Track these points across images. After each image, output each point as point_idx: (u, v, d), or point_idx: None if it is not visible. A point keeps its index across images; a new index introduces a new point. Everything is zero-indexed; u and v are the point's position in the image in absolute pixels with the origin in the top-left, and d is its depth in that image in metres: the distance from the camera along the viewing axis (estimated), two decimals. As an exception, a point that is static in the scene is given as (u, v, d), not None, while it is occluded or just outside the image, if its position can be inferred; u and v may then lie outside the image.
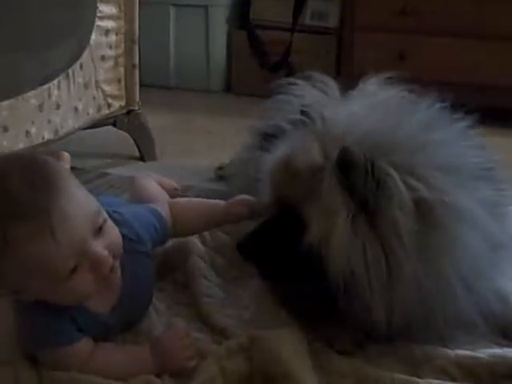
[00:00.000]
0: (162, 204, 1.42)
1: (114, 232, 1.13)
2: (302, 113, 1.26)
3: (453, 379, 1.08)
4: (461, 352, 1.12)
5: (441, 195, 1.08)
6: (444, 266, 1.08)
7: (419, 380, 1.06)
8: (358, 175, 1.08)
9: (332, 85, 1.70)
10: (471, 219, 1.10)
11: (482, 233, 1.12)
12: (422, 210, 1.08)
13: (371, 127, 1.15)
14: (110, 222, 1.12)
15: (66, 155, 1.56)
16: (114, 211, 1.21)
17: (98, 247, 1.07)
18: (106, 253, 1.07)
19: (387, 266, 1.07)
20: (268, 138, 1.67)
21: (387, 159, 1.09)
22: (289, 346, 1.08)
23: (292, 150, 1.20)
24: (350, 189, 1.09)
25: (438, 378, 1.07)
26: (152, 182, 1.67)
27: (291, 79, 1.74)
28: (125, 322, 1.21)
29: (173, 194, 1.69)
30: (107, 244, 1.09)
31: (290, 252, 1.15)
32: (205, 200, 1.51)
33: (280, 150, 1.24)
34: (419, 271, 1.07)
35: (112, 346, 1.18)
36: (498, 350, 1.14)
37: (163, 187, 1.67)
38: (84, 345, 1.12)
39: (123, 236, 1.15)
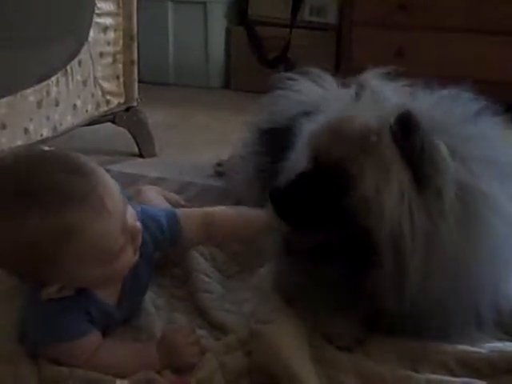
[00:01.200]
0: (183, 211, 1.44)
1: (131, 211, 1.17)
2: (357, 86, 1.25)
3: (452, 374, 1.08)
4: (460, 347, 1.12)
5: (481, 184, 1.08)
6: (477, 252, 1.08)
7: (419, 375, 1.06)
8: (416, 138, 1.07)
9: (330, 80, 1.70)
10: (505, 214, 1.10)
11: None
12: (463, 194, 1.07)
13: (423, 107, 1.15)
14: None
15: None
16: None
17: (131, 219, 1.13)
18: (139, 223, 1.15)
19: (429, 237, 1.06)
20: (265, 133, 1.67)
21: (439, 137, 1.09)
22: (288, 341, 1.09)
23: (343, 115, 1.19)
24: (406, 151, 1.08)
25: (437, 373, 1.07)
26: (156, 194, 1.66)
27: (289, 74, 1.74)
28: (126, 316, 1.23)
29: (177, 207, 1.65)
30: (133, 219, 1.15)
31: (331, 206, 1.12)
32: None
33: (327, 116, 1.23)
34: (458, 252, 1.07)
35: (116, 342, 1.19)
36: (497, 344, 1.14)
37: (167, 200, 1.66)
38: (93, 337, 1.13)
39: None
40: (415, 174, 1.08)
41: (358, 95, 1.22)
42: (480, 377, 1.07)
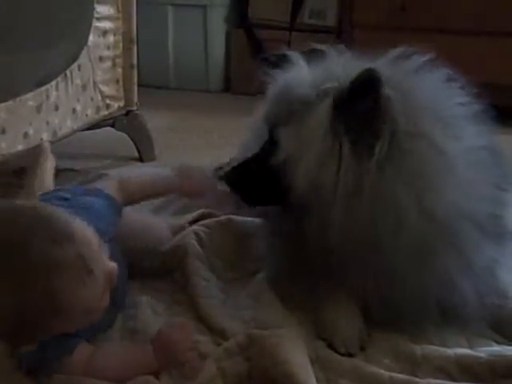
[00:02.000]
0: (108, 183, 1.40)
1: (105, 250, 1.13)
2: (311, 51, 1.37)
3: (452, 379, 1.08)
4: (460, 351, 1.12)
5: (421, 128, 1.14)
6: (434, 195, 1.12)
7: (418, 380, 1.06)
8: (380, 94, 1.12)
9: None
10: (443, 151, 1.13)
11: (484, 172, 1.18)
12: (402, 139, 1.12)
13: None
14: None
15: (47, 144, 1.56)
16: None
17: (107, 261, 1.09)
18: (114, 263, 1.10)
19: (358, 184, 1.11)
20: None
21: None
22: (288, 346, 1.08)
23: (291, 79, 1.24)
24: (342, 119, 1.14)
25: (437, 378, 1.07)
26: None
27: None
28: (114, 314, 1.24)
29: None
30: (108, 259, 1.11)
31: (262, 172, 1.23)
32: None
33: (283, 76, 1.28)
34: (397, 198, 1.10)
35: (111, 346, 1.19)
36: (496, 348, 1.14)
37: None
38: (82, 349, 1.12)
39: None
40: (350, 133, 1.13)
41: (310, 60, 1.30)
42: (479, 381, 1.07)
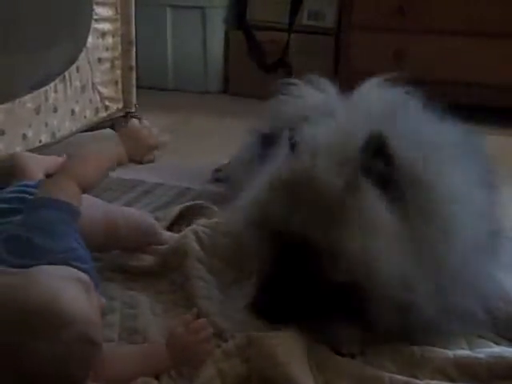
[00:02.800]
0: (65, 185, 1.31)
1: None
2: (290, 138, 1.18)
3: (451, 380, 1.08)
4: (459, 352, 1.13)
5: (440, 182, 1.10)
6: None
7: (418, 381, 1.06)
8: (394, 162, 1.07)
9: (330, 86, 1.70)
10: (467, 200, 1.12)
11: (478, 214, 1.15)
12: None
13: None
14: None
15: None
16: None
17: (97, 299, 1.07)
18: (102, 300, 1.09)
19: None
20: (266, 139, 1.67)
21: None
22: (286, 347, 1.08)
23: (294, 174, 1.10)
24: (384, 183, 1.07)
25: (436, 379, 1.07)
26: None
27: (291, 80, 1.74)
28: None
29: None
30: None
31: (320, 290, 1.08)
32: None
33: (272, 178, 1.15)
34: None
35: (119, 349, 1.18)
36: (496, 350, 1.14)
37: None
38: None
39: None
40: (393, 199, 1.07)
41: (293, 146, 1.16)
42: (478, 382, 1.07)
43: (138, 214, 1.56)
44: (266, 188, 1.14)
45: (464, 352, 1.13)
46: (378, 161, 1.07)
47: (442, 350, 1.13)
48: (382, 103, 1.26)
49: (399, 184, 1.07)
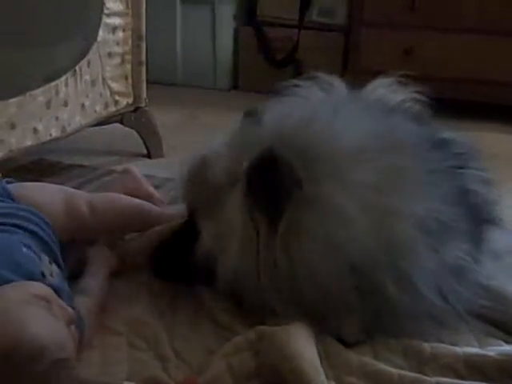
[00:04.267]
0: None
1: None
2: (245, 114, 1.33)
3: (460, 377, 1.07)
4: (469, 350, 1.12)
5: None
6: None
7: (427, 377, 1.06)
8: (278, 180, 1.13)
9: (339, 85, 1.70)
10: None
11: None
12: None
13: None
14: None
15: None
16: None
17: (66, 310, 1.05)
18: (70, 310, 1.06)
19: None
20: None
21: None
22: (297, 341, 1.08)
23: (208, 158, 1.25)
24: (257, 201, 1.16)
25: (445, 376, 1.07)
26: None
27: (297, 81, 1.73)
28: None
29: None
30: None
31: (187, 259, 1.22)
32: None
33: (200, 153, 1.30)
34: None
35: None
36: (506, 348, 1.14)
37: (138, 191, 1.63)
38: None
39: None
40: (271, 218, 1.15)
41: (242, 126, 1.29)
42: (488, 380, 1.07)
43: (117, 197, 1.52)
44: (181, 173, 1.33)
45: (474, 349, 1.13)
46: (262, 179, 1.14)
47: (451, 347, 1.13)
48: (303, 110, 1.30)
49: (276, 200, 1.14)
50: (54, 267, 1.17)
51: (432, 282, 1.14)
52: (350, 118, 1.25)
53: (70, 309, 1.05)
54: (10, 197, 1.28)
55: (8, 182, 1.35)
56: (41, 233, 1.21)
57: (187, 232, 1.26)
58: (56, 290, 1.07)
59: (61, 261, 1.23)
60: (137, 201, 1.51)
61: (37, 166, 2.12)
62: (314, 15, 3.21)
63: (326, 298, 1.13)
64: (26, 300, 0.97)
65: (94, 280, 1.29)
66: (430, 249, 1.14)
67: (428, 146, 1.26)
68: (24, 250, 1.12)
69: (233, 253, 1.17)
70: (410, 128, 1.30)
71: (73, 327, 1.04)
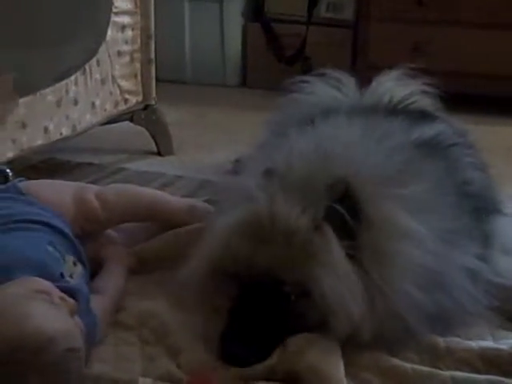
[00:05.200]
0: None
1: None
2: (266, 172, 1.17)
3: (476, 371, 1.07)
4: (483, 344, 1.12)
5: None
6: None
7: (443, 372, 1.05)
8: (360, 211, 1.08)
9: (347, 81, 1.69)
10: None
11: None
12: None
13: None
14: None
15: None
16: None
17: (66, 302, 1.05)
18: (71, 301, 1.06)
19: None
20: (278, 135, 1.67)
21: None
22: (315, 338, 1.08)
23: (254, 213, 1.10)
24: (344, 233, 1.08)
25: (460, 370, 1.07)
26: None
27: (305, 77, 1.73)
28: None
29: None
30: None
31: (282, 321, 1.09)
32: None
33: (239, 212, 1.13)
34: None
35: None
36: (520, 341, 1.13)
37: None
38: None
39: None
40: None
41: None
42: (503, 374, 1.06)
43: (129, 187, 1.55)
44: (229, 232, 1.12)
45: (488, 343, 1.13)
46: (340, 206, 1.08)
47: (466, 341, 1.13)
48: (350, 133, 1.26)
49: (356, 229, 1.09)
50: (79, 268, 1.18)
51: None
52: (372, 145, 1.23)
53: (71, 299, 1.05)
54: (22, 194, 1.29)
55: (20, 181, 1.36)
56: (66, 230, 1.22)
57: (259, 302, 1.09)
58: (72, 293, 1.08)
59: (85, 259, 1.24)
60: (150, 190, 1.52)
61: (47, 164, 2.12)
62: (322, 11, 3.20)
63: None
64: (28, 295, 0.98)
65: (111, 279, 1.29)
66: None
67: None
68: (49, 248, 1.13)
69: (350, 296, 1.06)
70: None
71: (76, 318, 1.04)
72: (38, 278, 1.04)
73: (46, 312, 0.97)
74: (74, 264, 1.17)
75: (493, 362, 1.09)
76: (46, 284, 1.03)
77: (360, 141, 1.23)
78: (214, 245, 1.14)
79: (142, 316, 1.22)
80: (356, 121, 1.31)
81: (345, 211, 1.07)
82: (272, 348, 1.08)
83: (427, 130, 1.35)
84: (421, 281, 1.09)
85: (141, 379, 1.05)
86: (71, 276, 1.14)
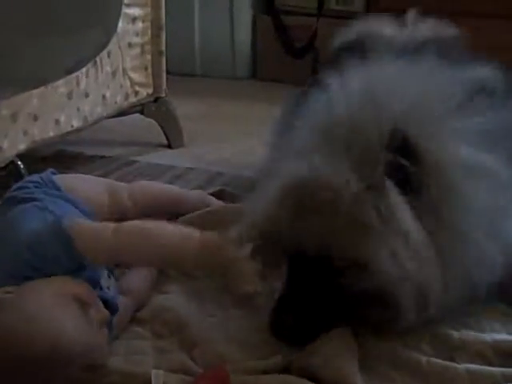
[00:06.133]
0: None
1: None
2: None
3: (490, 363, 1.07)
4: (497, 336, 1.12)
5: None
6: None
7: (458, 365, 1.05)
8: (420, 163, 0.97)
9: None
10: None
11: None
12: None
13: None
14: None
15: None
16: None
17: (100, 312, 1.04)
18: (105, 312, 1.06)
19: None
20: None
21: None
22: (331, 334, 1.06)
23: (298, 178, 0.99)
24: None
25: (475, 363, 1.06)
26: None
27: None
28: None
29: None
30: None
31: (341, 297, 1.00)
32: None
33: (292, 171, 1.01)
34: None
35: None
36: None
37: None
38: None
39: None
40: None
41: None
42: (517, 365, 1.06)
43: (155, 185, 1.56)
44: (276, 200, 1.02)
45: (502, 336, 1.12)
46: (402, 160, 0.97)
47: (479, 334, 1.12)
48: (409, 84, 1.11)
49: (423, 186, 0.99)
50: (112, 280, 1.17)
51: None
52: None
53: (105, 311, 1.04)
54: (58, 189, 1.26)
55: (52, 174, 1.33)
56: None
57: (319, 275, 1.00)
58: (109, 304, 1.07)
59: (114, 268, 1.22)
60: (175, 189, 1.55)
61: (59, 157, 2.12)
62: (332, 3, 3.19)
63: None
64: (62, 301, 0.97)
65: (136, 281, 1.27)
66: None
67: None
68: None
69: (417, 263, 0.97)
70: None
71: (105, 329, 1.04)
72: (76, 281, 1.02)
73: (77, 324, 0.95)
74: (109, 276, 1.16)
75: (507, 354, 1.08)
76: (84, 290, 1.01)
77: (410, 79, 1.08)
78: (256, 218, 1.05)
79: (154, 309, 1.23)
80: (403, 60, 1.17)
81: (407, 162, 0.95)
82: (324, 329, 1.02)
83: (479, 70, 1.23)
84: (492, 230, 1.00)
85: (153, 371, 1.05)
86: (108, 288, 1.13)
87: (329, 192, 0.95)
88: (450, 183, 1.00)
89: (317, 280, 1.00)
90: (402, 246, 0.96)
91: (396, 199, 0.97)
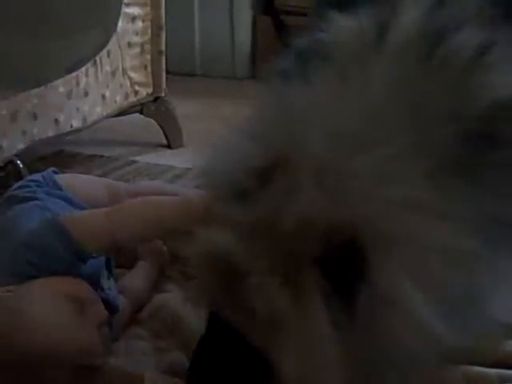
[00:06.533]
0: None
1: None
2: None
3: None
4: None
5: None
6: None
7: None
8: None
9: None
10: None
11: None
12: None
13: None
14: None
15: None
16: None
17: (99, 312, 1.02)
18: (105, 312, 1.03)
19: None
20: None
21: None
22: None
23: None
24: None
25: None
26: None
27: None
28: None
29: None
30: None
31: None
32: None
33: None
34: None
35: None
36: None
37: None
38: None
39: None
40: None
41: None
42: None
43: (158, 184, 1.55)
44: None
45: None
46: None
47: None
48: None
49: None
50: (112, 282, 1.16)
51: None
52: None
53: (105, 312, 1.02)
54: (60, 189, 1.25)
55: (54, 173, 1.31)
56: None
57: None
58: (110, 306, 1.07)
59: (113, 269, 1.20)
60: (175, 188, 1.52)
61: (58, 156, 2.12)
62: (332, 3, 3.19)
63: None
64: (54, 299, 0.95)
65: (136, 279, 1.27)
66: None
67: None
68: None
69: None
70: None
71: (105, 328, 1.02)
72: (70, 279, 0.99)
73: (68, 325, 0.93)
74: (108, 278, 1.14)
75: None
76: (82, 289, 1.00)
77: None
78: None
79: (154, 309, 1.22)
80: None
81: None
82: None
83: None
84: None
85: (147, 373, 1.03)
86: (109, 289, 1.12)
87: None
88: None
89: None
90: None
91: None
